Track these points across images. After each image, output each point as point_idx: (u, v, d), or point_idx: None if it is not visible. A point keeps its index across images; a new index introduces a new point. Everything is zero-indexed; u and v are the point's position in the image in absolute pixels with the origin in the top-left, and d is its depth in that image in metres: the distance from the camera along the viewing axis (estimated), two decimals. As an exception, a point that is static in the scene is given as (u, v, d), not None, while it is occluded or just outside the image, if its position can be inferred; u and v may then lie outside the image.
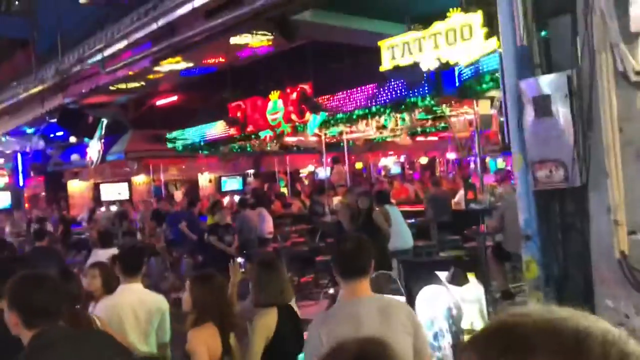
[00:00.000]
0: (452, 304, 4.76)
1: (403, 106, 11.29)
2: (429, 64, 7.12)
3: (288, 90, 13.08)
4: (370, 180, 20.76)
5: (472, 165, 19.62)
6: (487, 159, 24.62)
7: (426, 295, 4.85)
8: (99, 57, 8.82)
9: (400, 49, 7.34)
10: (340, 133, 16.80)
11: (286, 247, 10.93)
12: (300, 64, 13.81)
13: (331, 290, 9.02)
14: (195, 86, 16.86)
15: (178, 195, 22.39)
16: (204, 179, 25.45)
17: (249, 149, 18.68)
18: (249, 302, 3.96)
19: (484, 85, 10.11)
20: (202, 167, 23.40)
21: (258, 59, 14.19)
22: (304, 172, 28.26)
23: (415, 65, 7.18)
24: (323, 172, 18.56)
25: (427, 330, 4.65)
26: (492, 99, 11.75)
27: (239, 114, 14.56)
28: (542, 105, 4.20)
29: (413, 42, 7.19)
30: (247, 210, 12.16)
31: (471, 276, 4.56)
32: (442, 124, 15.72)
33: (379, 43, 7.69)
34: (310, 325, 3.19)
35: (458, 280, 4.43)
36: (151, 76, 13.97)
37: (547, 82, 4.24)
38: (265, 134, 13.99)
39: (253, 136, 14.74)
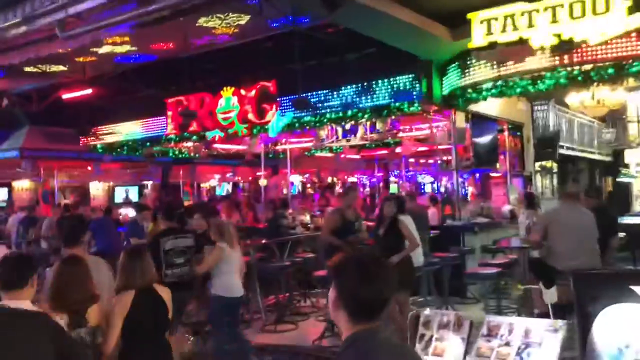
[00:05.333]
0: (658, 326, 3.69)
1: (386, 111, 10.40)
2: (542, 40, 6.21)
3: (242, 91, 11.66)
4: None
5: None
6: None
7: (613, 316, 3.76)
8: (60, 14, 6.99)
9: (500, 23, 6.39)
10: (275, 143, 15.63)
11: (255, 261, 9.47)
12: (255, 61, 12.47)
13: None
14: (114, 80, 14.78)
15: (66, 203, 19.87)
16: (96, 187, 22.98)
17: (170, 154, 16.83)
18: None
19: (482, 94, 9.48)
20: (102, 173, 20.92)
21: (197, 53, 12.67)
22: (204, 185, 26.71)
23: (522, 41, 6.25)
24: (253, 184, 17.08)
25: (613, 360, 3.64)
26: (467, 113, 11.26)
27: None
28: None
29: (520, 14, 6.26)
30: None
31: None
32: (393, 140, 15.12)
33: (469, 15, 6.69)
34: None
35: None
36: (81, 58, 11.96)
37: None
38: (214, 134, 12.41)
39: (194, 137, 13.07)
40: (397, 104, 10.20)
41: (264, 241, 9.77)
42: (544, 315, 7.07)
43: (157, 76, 14.41)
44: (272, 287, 9.87)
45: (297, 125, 11.40)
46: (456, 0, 7.46)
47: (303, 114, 11.11)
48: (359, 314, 1.99)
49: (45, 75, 13.21)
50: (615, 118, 21.70)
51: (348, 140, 12.76)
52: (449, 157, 12.17)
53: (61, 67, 12.08)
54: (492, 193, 14.95)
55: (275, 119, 11.29)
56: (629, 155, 22.66)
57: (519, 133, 14.30)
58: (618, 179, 21.69)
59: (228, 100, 12.07)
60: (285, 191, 16.53)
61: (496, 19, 6.51)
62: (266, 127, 11.70)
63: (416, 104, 10.03)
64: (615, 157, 22.47)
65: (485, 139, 12.21)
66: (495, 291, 10.27)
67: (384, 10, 6.91)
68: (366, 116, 10.65)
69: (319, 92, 10.89)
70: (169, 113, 13.10)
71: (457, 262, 9.12)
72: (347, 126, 12.02)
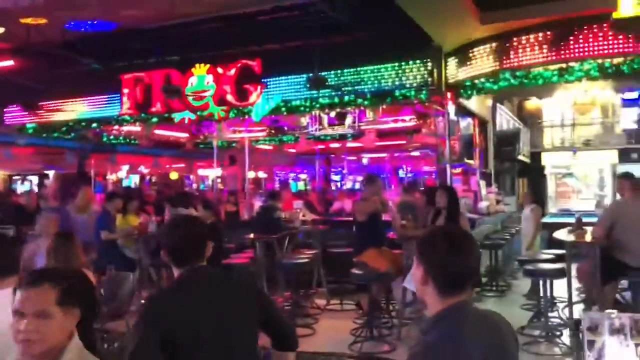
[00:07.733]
0: None
1: (389, 99, 9.75)
2: None
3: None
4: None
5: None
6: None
7: None
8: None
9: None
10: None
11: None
12: (235, 37, 11.26)
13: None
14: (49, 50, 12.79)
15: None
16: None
17: (105, 139, 15.08)
18: None
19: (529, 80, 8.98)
20: (11, 158, 18.44)
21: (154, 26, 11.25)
22: (111, 177, 24.68)
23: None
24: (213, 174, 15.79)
25: None
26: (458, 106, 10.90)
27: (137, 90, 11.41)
28: None
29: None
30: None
31: None
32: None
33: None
34: None
35: None
36: (30, 19, 10.16)
37: None
38: (183, 116, 11.09)
39: (153, 119, 11.63)
40: (403, 91, 9.59)
41: (274, 236, 8.73)
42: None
43: (103, 49, 12.71)
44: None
45: (284, 109, 10.44)
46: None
47: (293, 96, 10.20)
48: (449, 286, 1.99)
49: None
50: (533, 122, 22.72)
51: (334, 129, 11.96)
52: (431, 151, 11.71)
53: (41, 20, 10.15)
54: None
55: (261, 102, 10.27)
56: (546, 158, 23.87)
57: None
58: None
59: (201, 79, 10.82)
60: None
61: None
62: (245, 109, 10.65)
63: (424, 92, 9.48)
64: (532, 159, 23.52)
65: (465, 134, 11.95)
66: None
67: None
68: (366, 102, 9.94)
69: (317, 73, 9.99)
70: (125, 90, 11.56)
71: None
72: (332, 114, 11.23)
